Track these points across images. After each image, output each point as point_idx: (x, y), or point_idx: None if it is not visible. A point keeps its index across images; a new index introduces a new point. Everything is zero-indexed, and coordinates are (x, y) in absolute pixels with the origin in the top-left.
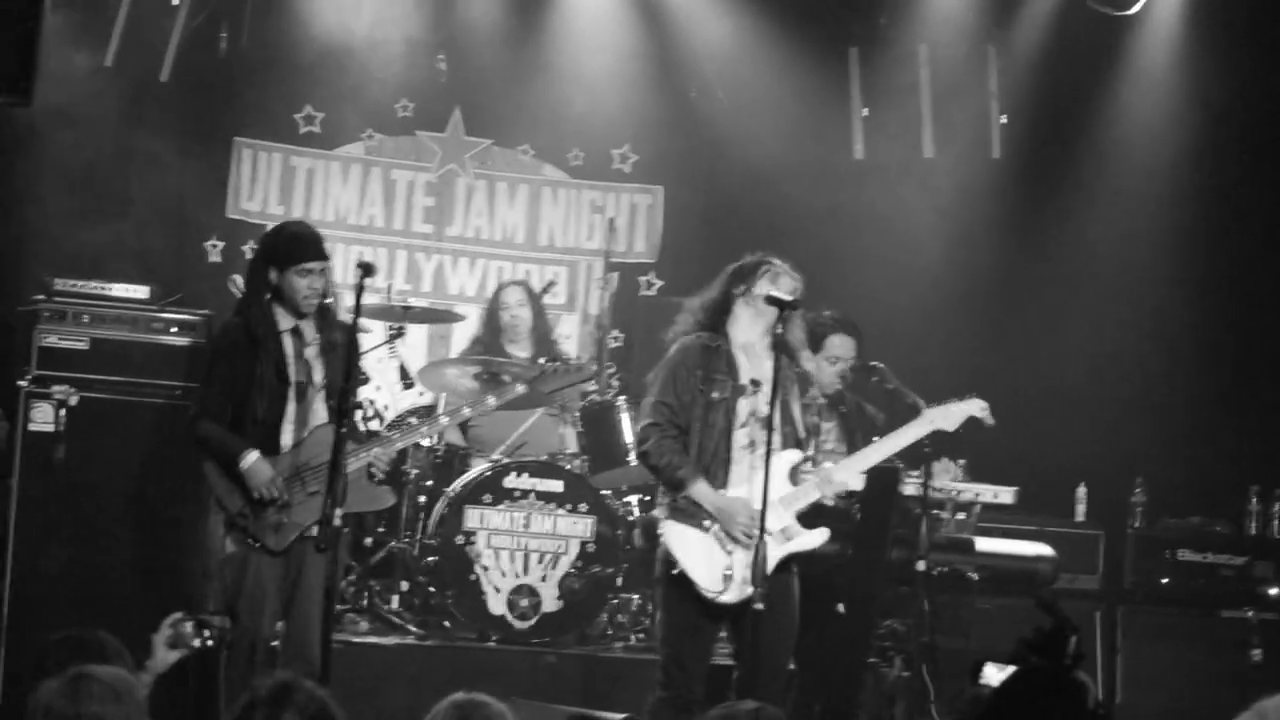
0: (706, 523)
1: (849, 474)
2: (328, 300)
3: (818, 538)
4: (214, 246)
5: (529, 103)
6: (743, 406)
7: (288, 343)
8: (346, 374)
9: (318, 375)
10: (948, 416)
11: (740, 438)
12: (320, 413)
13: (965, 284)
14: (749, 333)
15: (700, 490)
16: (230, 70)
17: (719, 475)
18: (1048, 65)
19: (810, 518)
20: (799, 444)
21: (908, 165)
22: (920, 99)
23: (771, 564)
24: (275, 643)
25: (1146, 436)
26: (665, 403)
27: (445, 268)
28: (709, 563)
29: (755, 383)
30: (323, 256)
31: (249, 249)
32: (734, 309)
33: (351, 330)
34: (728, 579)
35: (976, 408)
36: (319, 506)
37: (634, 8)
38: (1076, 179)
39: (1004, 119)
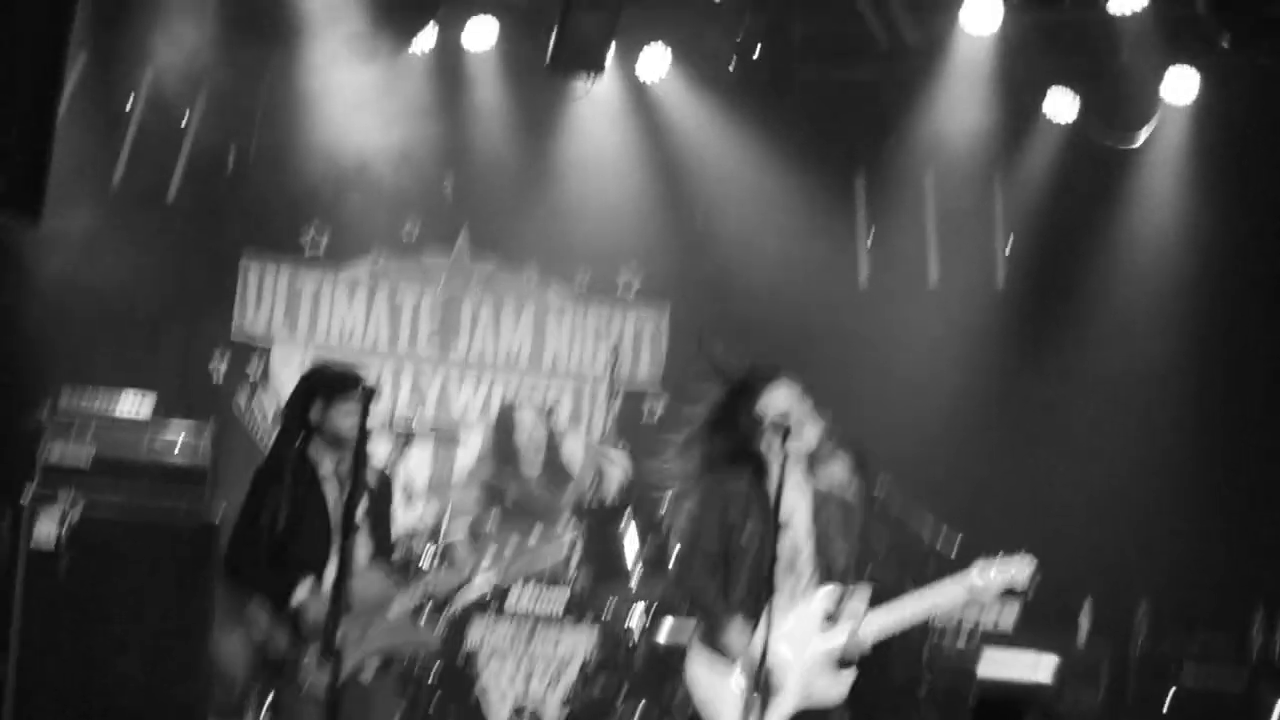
0: (734, 660)
1: (876, 630)
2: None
3: (842, 687)
4: (217, 369)
5: (535, 223)
6: (782, 541)
7: (329, 483)
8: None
9: (360, 515)
10: (992, 579)
11: (779, 572)
12: (361, 555)
13: (969, 411)
14: (774, 458)
15: (732, 632)
16: (237, 190)
17: (755, 612)
18: (1053, 195)
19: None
20: (835, 578)
21: (912, 293)
22: (925, 227)
23: (790, 708)
24: None
25: (1153, 556)
26: (695, 540)
27: (450, 388)
28: (730, 702)
29: (786, 521)
30: (350, 394)
31: (253, 370)
32: (746, 434)
33: (381, 472)
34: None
35: (1022, 570)
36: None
37: (641, 131)
38: (1080, 309)
39: (1009, 248)
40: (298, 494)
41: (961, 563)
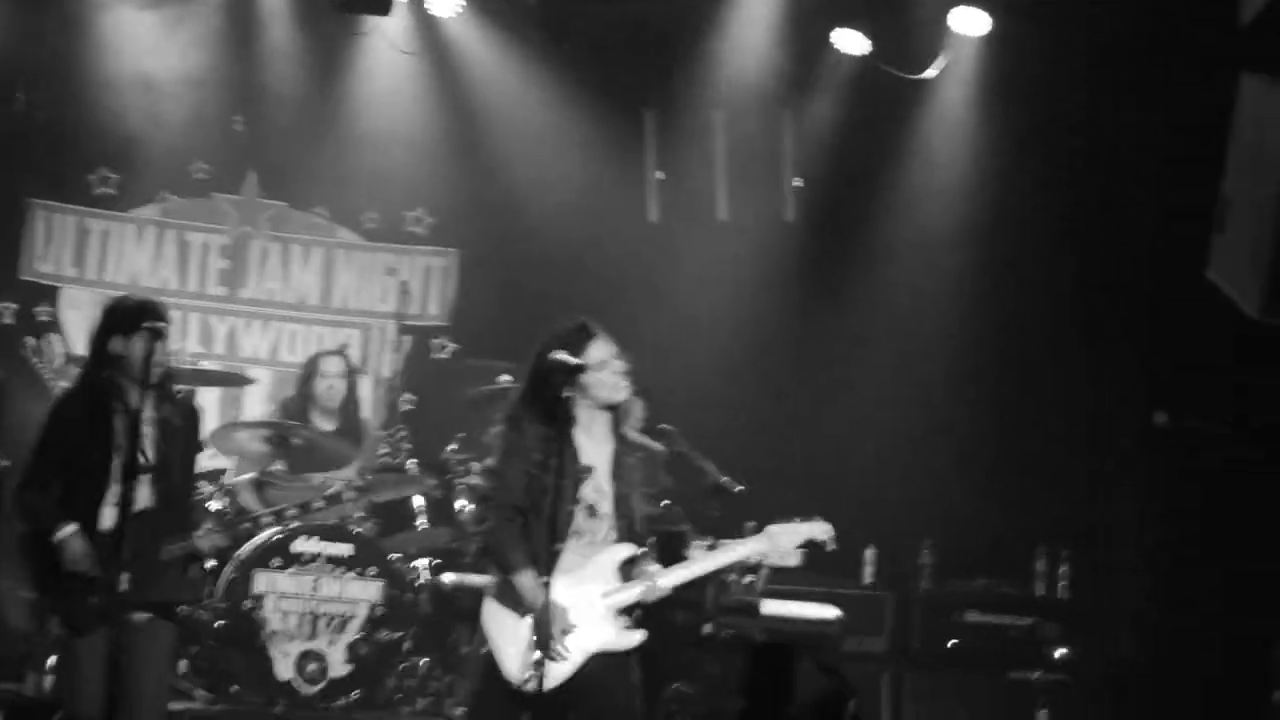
0: (525, 613)
1: (673, 582)
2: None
3: (632, 639)
4: (7, 308)
5: (324, 165)
6: (581, 491)
7: (120, 421)
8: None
9: (150, 455)
10: (789, 536)
11: (573, 525)
12: (146, 494)
13: (757, 346)
14: (584, 411)
15: (525, 583)
16: (24, 132)
17: (549, 562)
18: (843, 128)
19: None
20: (634, 537)
21: (701, 227)
22: (715, 162)
23: (580, 657)
24: None
25: (936, 498)
26: (503, 484)
27: (238, 330)
28: (519, 650)
29: (588, 468)
30: (166, 319)
31: (42, 312)
32: (554, 383)
33: (190, 409)
34: (537, 669)
35: (820, 530)
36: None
37: (430, 72)
38: (868, 241)
39: (798, 182)
40: (90, 429)
41: (745, 505)
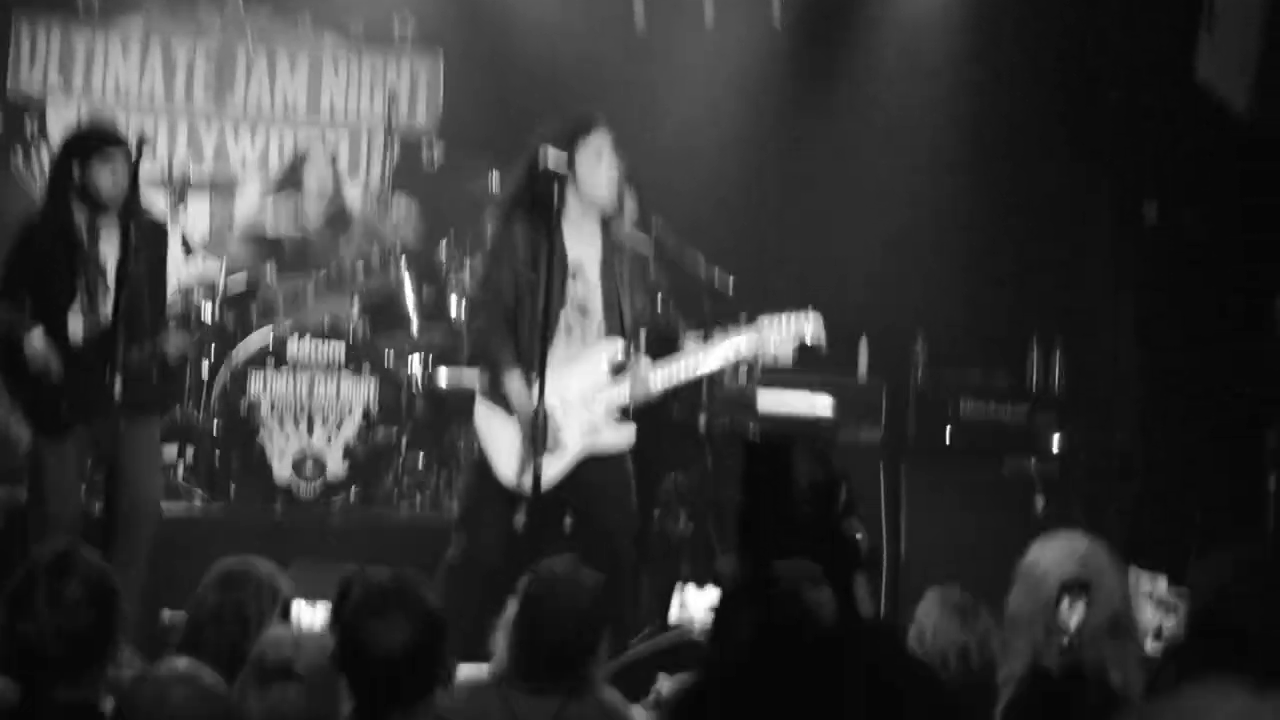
0: (515, 414)
1: (664, 383)
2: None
3: (624, 436)
4: None
5: None
6: (570, 290)
7: (83, 233)
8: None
9: (109, 266)
10: (780, 339)
11: (561, 322)
12: (108, 304)
13: (747, 147)
14: (573, 207)
15: (513, 383)
16: None
17: (540, 362)
18: None
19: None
20: (624, 335)
21: (689, 34)
22: None
23: (572, 456)
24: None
25: (928, 288)
26: (491, 283)
27: (227, 139)
28: (511, 451)
29: (576, 265)
30: (119, 141)
31: (29, 124)
32: (551, 184)
33: (153, 223)
34: (529, 469)
35: (811, 325)
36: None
37: None
38: (859, 45)
39: None
40: (53, 245)
41: (736, 299)
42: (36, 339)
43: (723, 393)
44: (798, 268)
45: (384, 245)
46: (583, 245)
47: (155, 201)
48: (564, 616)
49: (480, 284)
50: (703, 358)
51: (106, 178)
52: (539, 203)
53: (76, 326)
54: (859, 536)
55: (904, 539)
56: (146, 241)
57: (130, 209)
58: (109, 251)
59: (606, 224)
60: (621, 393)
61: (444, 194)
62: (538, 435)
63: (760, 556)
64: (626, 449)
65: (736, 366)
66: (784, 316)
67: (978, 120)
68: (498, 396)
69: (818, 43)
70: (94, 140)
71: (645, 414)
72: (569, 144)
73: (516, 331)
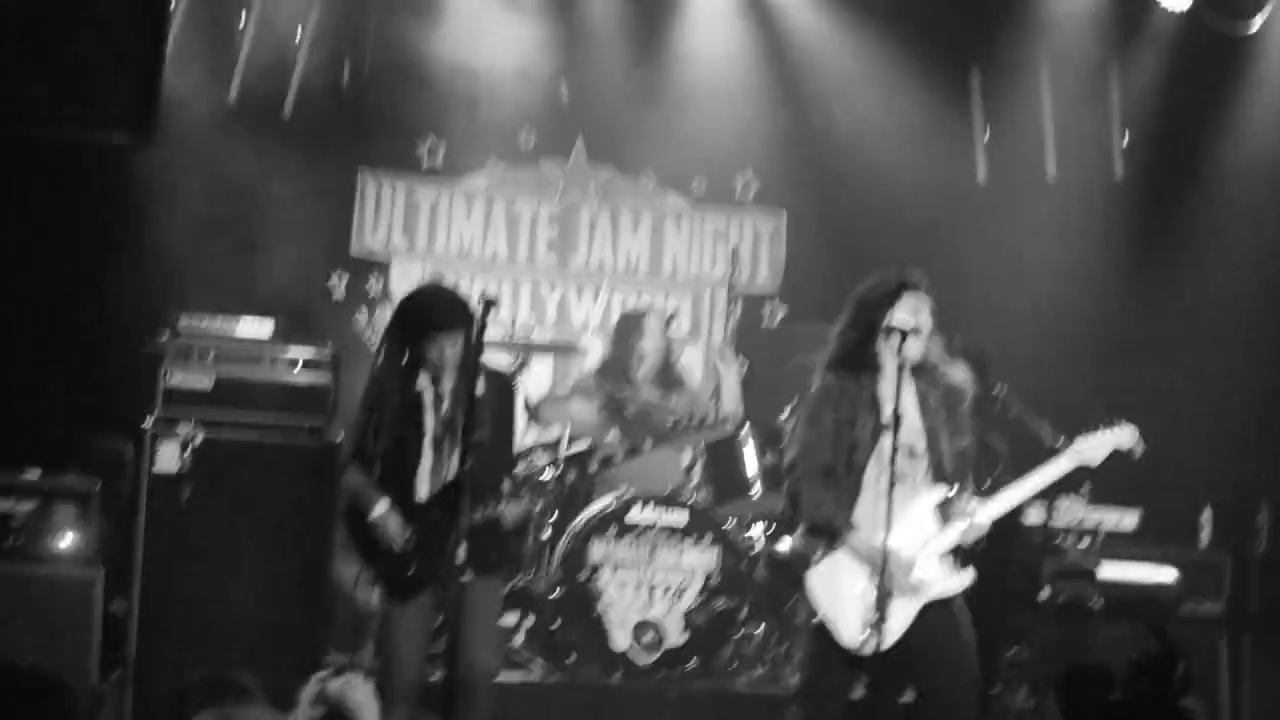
0: (856, 574)
1: (991, 515)
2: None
3: (962, 581)
4: (337, 284)
5: (651, 130)
6: (887, 443)
7: (427, 395)
8: (468, 420)
9: (458, 430)
10: (1095, 447)
11: (885, 476)
12: (454, 466)
13: (1090, 306)
14: (890, 364)
15: (855, 541)
16: (353, 104)
17: (865, 517)
18: (1170, 85)
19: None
20: (945, 478)
21: (1031, 187)
22: (1042, 120)
23: (914, 609)
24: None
25: (1274, 458)
26: (809, 447)
27: (569, 300)
28: (854, 612)
29: (897, 416)
30: (453, 326)
31: (373, 285)
32: (871, 339)
33: (504, 383)
34: (875, 629)
35: (1125, 437)
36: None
37: (754, 33)
38: (1201, 198)
39: (1126, 140)
40: (398, 407)
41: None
42: (388, 517)
43: (1063, 563)
44: (1140, 433)
45: (713, 414)
46: (904, 396)
47: (499, 361)
48: None
49: (798, 448)
50: (1027, 485)
51: (443, 351)
52: (861, 360)
53: (423, 489)
54: (1198, 713)
55: (1247, 714)
56: (494, 399)
57: (474, 370)
58: (457, 413)
59: (918, 370)
60: (952, 537)
61: (784, 359)
62: (877, 593)
63: None
64: (963, 593)
65: (1079, 538)
66: (1098, 434)
67: None
68: (836, 559)
69: (1160, 192)
70: (430, 320)
71: (985, 580)
72: (890, 302)
73: (838, 488)
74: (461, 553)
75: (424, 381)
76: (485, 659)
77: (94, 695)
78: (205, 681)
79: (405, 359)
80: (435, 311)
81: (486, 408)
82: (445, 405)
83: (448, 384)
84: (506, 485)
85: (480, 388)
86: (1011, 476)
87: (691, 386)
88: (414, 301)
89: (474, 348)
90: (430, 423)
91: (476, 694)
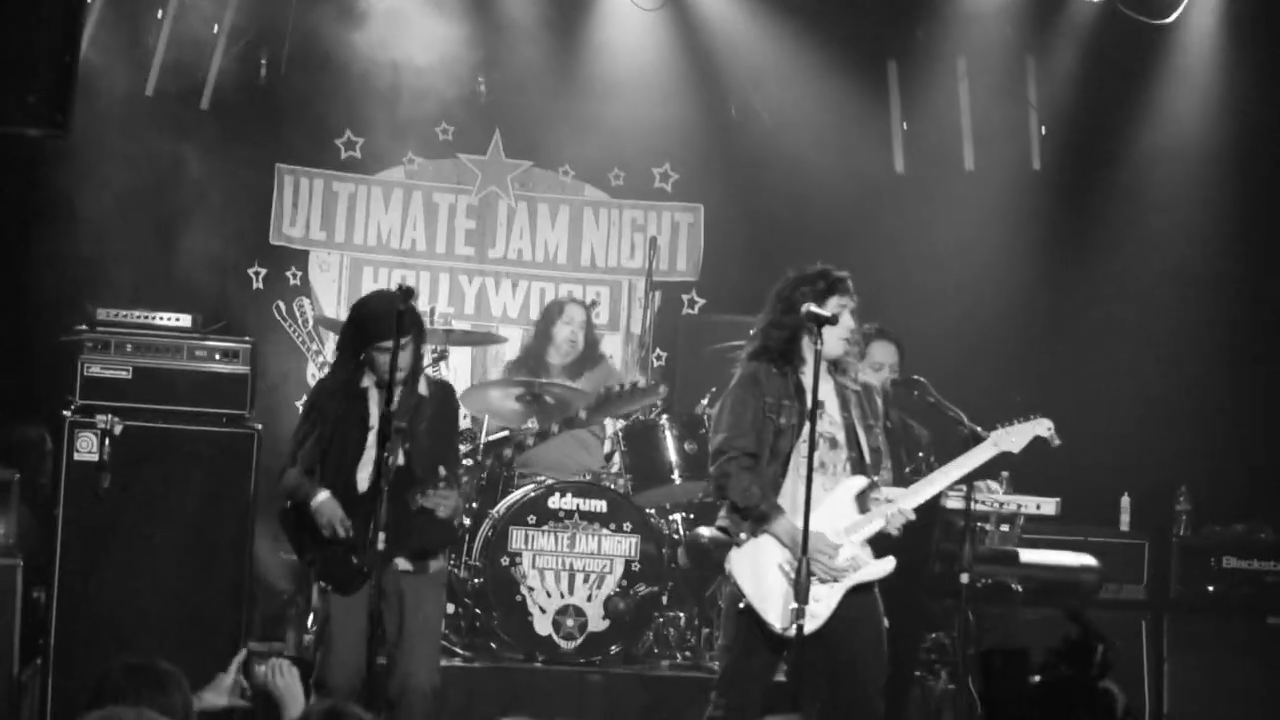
0: (778, 559)
1: (914, 503)
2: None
3: (885, 566)
4: (257, 274)
5: (568, 123)
6: (821, 426)
7: (372, 393)
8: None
9: (402, 423)
10: (1013, 438)
11: (815, 459)
12: (399, 458)
13: (1007, 296)
14: (808, 353)
15: (782, 526)
16: (271, 97)
17: (785, 502)
18: (1087, 75)
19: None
20: (864, 470)
21: (948, 178)
22: (960, 111)
23: (839, 594)
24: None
25: (1191, 444)
26: (737, 433)
27: (488, 290)
28: (779, 597)
29: (818, 403)
30: (404, 334)
31: (292, 275)
32: (797, 333)
33: (444, 385)
34: (798, 614)
35: (1043, 428)
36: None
37: (672, 27)
38: (1117, 188)
39: (1044, 130)
40: (343, 405)
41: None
42: (327, 505)
43: (985, 549)
44: (1055, 417)
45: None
46: (823, 386)
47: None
48: None
49: (727, 434)
50: (944, 479)
51: (393, 358)
52: (786, 350)
53: (364, 481)
54: (1117, 695)
55: (1166, 695)
56: (438, 396)
57: (415, 371)
58: (398, 411)
59: (836, 366)
60: (874, 525)
61: (703, 348)
62: (802, 576)
63: None
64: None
65: (998, 523)
66: (1016, 425)
67: (1237, 267)
68: (759, 545)
69: (1077, 182)
70: (381, 330)
71: (906, 573)
72: (818, 300)
73: (761, 474)
74: (381, 539)
75: (369, 380)
76: (424, 674)
77: (14, 683)
78: (125, 668)
79: (354, 363)
80: (386, 321)
81: (430, 403)
82: (394, 401)
83: (396, 386)
84: (442, 474)
85: (424, 387)
86: (934, 461)
87: (609, 366)
88: (366, 310)
89: (420, 354)
90: (374, 417)
91: (412, 708)
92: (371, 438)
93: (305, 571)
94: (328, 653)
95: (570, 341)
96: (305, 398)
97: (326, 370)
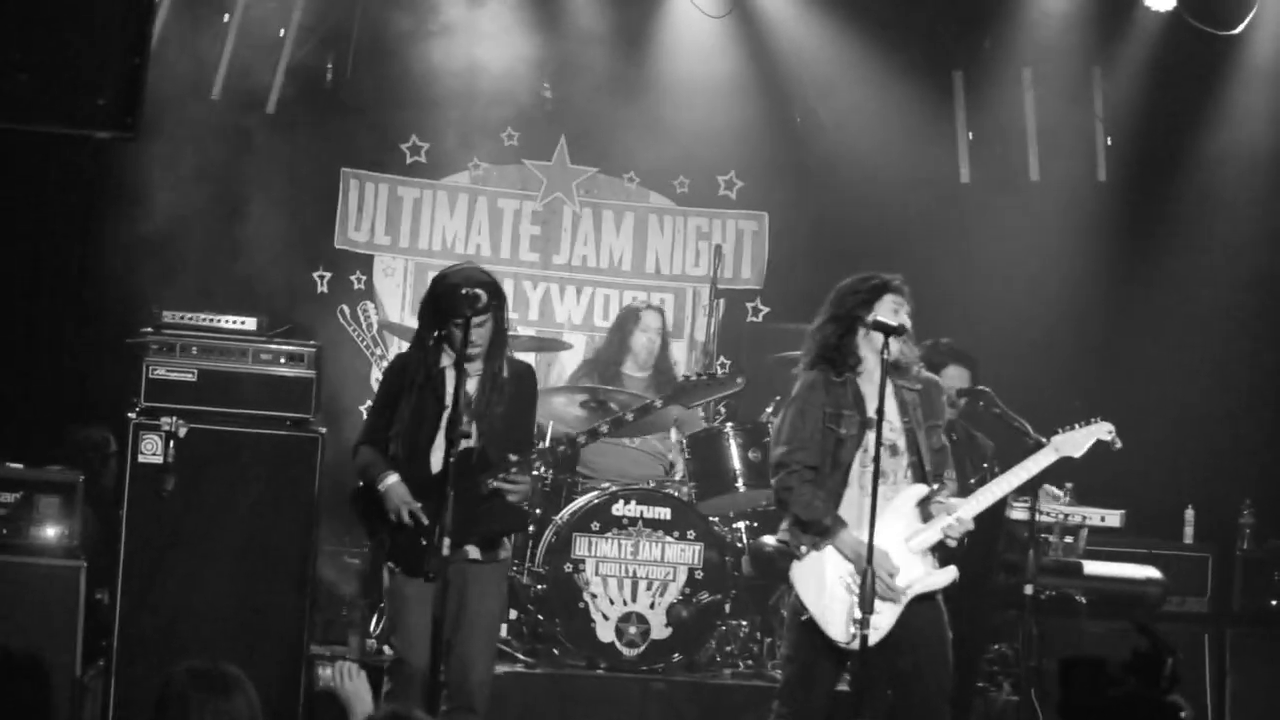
0: (841, 571)
1: (974, 510)
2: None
3: (948, 576)
4: (321, 277)
5: (634, 130)
6: (870, 440)
7: (449, 373)
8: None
9: (474, 404)
10: (1074, 443)
11: (868, 472)
12: (472, 439)
13: (1071, 306)
14: (870, 360)
15: (845, 539)
16: (337, 101)
17: (848, 512)
18: (1153, 86)
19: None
20: (925, 476)
21: (1013, 188)
22: (1025, 122)
23: (900, 606)
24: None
25: (1255, 457)
26: (797, 445)
27: (552, 296)
28: (841, 609)
29: (880, 413)
30: (476, 312)
31: (356, 279)
32: (852, 336)
33: (523, 367)
34: (862, 625)
35: (1103, 431)
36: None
37: (738, 35)
38: (1184, 198)
39: (1109, 141)
40: (420, 383)
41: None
42: (395, 489)
43: (1049, 560)
44: (1123, 432)
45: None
46: (874, 390)
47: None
48: None
49: (787, 446)
50: (1003, 485)
51: (470, 332)
52: (844, 358)
53: (438, 462)
54: (1183, 712)
55: (1229, 709)
56: (515, 382)
57: (500, 351)
58: (474, 392)
59: (895, 369)
60: (934, 533)
61: (767, 356)
62: (866, 588)
63: None
64: (950, 586)
65: (1063, 535)
66: (1075, 430)
67: None
68: (821, 556)
69: (1143, 193)
70: (459, 302)
71: (969, 583)
72: (871, 300)
73: (822, 485)
74: (446, 545)
75: (447, 359)
76: (481, 665)
77: (77, 685)
78: (189, 672)
79: (433, 339)
80: (465, 295)
81: (508, 388)
82: (468, 382)
83: (473, 364)
84: (514, 459)
85: (504, 369)
86: (998, 471)
87: (676, 374)
88: (445, 284)
89: (501, 330)
90: (449, 397)
91: (472, 697)
92: (445, 419)
93: (368, 575)
94: (401, 641)
95: (648, 350)
96: (381, 374)
97: (409, 348)
